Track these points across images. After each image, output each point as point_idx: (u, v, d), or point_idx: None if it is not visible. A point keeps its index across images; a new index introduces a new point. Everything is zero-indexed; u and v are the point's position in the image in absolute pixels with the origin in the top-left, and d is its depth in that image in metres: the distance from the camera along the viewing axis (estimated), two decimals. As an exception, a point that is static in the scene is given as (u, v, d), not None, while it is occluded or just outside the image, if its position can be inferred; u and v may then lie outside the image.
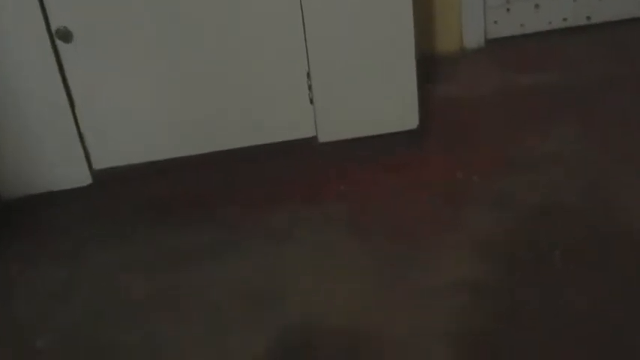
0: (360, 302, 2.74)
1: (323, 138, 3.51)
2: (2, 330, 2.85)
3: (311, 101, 3.43)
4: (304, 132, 3.51)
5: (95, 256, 3.15)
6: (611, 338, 2.49)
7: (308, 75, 3.39)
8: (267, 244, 3.10)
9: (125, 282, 2.99)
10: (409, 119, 3.49)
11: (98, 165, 3.48)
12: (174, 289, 2.93)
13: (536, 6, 4.37)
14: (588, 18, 4.40)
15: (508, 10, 4.36)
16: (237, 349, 2.63)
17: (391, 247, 2.98)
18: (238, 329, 2.71)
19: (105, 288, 2.99)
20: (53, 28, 3.21)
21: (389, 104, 3.46)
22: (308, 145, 3.49)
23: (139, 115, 3.42)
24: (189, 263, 3.04)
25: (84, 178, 3.47)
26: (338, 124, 3.50)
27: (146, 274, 3.02)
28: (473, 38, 4.35)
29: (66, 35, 3.22)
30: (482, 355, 2.50)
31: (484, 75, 4.10)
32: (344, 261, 2.95)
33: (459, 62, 4.26)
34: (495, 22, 4.37)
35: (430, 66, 4.06)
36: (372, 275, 2.85)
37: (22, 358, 2.73)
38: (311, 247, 3.05)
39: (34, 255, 3.21)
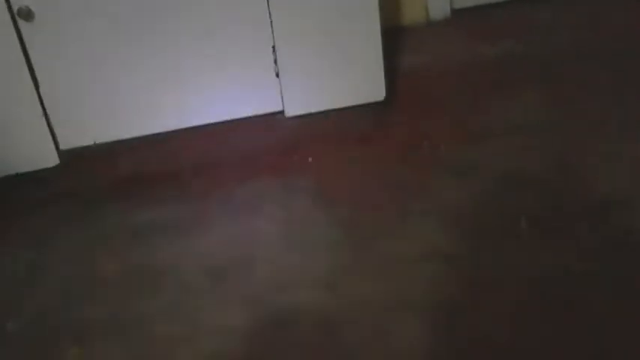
0: (330, 274, 2.74)
1: (290, 112, 3.51)
2: None
3: (277, 75, 3.43)
4: (271, 106, 3.51)
5: (63, 236, 3.15)
6: (577, 304, 2.52)
7: (273, 48, 3.40)
8: (235, 218, 3.12)
9: (93, 260, 3.00)
10: (376, 91, 3.49)
11: (65, 145, 3.47)
12: (142, 266, 2.94)
13: (502, -25, 4.34)
14: (553, -14, 4.36)
15: (474, -21, 4.33)
16: (207, 324, 2.64)
17: (359, 217, 2.99)
18: (207, 304, 2.72)
19: (73, 268, 2.99)
20: (15, 8, 3.20)
21: (355, 77, 3.47)
22: (275, 119, 3.51)
23: (103, 93, 3.40)
24: (156, 239, 3.05)
25: (51, 159, 3.45)
26: (304, 98, 3.50)
27: (114, 251, 3.03)
28: (438, 8, 4.34)
29: (28, 14, 3.21)
30: (454, 323, 2.51)
31: (450, 45, 4.09)
32: (313, 233, 2.96)
33: (425, 33, 4.25)
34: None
35: (396, 37, 4.08)
36: (341, 246, 2.86)
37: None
38: (279, 220, 3.06)
39: (1, 238, 3.21)
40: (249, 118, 3.49)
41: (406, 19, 4.30)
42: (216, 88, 3.44)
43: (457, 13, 4.36)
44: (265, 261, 2.86)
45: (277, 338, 2.55)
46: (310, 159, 3.36)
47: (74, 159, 3.46)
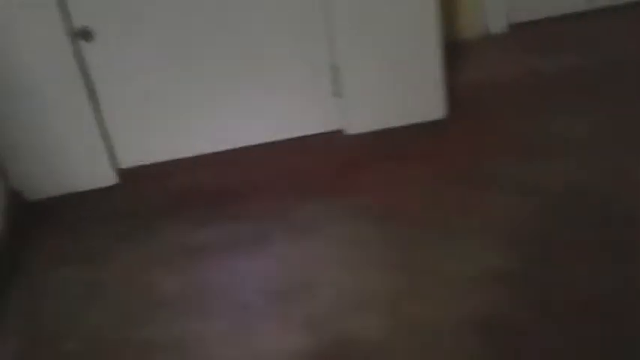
0: (391, 296, 2.71)
1: (349, 130, 3.51)
2: (32, 332, 2.85)
3: (337, 94, 3.44)
4: (330, 125, 3.52)
5: (121, 255, 3.14)
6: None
7: (333, 67, 3.38)
8: (293, 238, 3.08)
9: (151, 280, 2.98)
10: (435, 108, 3.49)
11: (123, 164, 3.49)
12: (200, 287, 2.92)
13: (559, -12, 4.27)
14: (610, -1, 4.30)
15: (531, -7, 4.27)
16: (267, 349, 2.62)
17: (420, 236, 2.96)
18: (267, 328, 2.69)
19: (132, 287, 2.98)
20: (75, 28, 3.22)
21: (415, 94, 3.46)
22: (334, 138, 3.51)
23: (163, 112, 3.43)
24: (214, 259, 3.04)
25: (109, 178, 3.48)
26: (364, 117, 3.49)
27: (172, 271, 3.01)
28: (496, 23, 4.31)
29: (87, 34, 3.23)
30: (514, 343, 2.48)
31: (508, 60, 4.06)
32: (373, 253, 2.93)
33: (483, 47, 4.22)
34: (517, 6, 4.31)
35: (453, 52, 3.98)
36: (401, 266, 2.83)
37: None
38: (338, 239, 3.02)
39: (60, 256, 3.19)
40: (308, 137, 3.51)
41: (464, 34, 4.27)
42: (274, 107, 3.47)
43: (514, 28, 4.32)
44: (325, 284, 2.82)
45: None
46: (370, 178, 3.33)
47: (133, 178, 3.48)
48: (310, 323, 2.66)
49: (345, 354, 2.54)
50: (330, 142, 3.50)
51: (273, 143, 3.50)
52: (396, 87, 3.44)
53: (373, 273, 2.84)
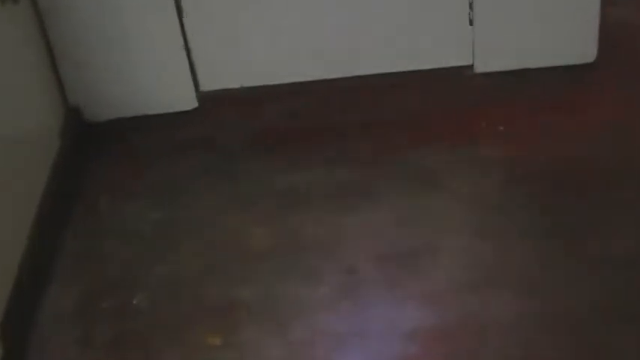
0: (527, 272, 2.41)
1: (480, 68, 3.19)
2: (95, 282, 2.55)
3: (470, 22, 3.10)
4: (458, 59, 3.19)
5: (198, 194, 2.84)
6: None
7: None
8: (409, 192, 2.75)
9: (235, 227, 2.68)
10: (585, 51, 3.15)
11: (206, 86, 3.21)
12: (295, 242, 2.60)
13: None
14: None
15: None
16: (377, 324, 2.33)
17: (558, 203, 2.64)
18: (377, 300, 2.39)
19: (210, 234, 2.67)
20: None
21: (563, 31, 3.12)
22: (462, 75, 3.19)
23: (257, 29, 3.13)
24: (311, 211, 2.71)
25: (189, 101, 3.19)
26: (499, 52, 3.17)
27: (258, 219, 2.70)
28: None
29: None
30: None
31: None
32: (502, 219, 2.60)
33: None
34: None
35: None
36: (540, 238, 2.51)
37: (122, 316, 2.43)
38: (463, 199, 2.70)
39: (126, 189, 2.91)
40: (432, 70, 3.18)
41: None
42: (395, 32, 3.14)
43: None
44: (448, 250, 2.50)
45: (462, 349, 2.21)
46: (500, 127, 2.99)
47: (215, 104, 3.19)
48: (430, 299, 2.37)
49: (471, 334, 2.26)
50: (457, 79, 3.19)
51: (389, 75, 3.17)
52: (540, 19, 3.10)
53: (507, 242, 2.52)
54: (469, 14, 3.08)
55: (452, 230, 2.59)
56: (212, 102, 3.19)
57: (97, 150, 3.07)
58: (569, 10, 3.07)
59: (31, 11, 2.89)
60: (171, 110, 3.17)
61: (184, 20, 3.03)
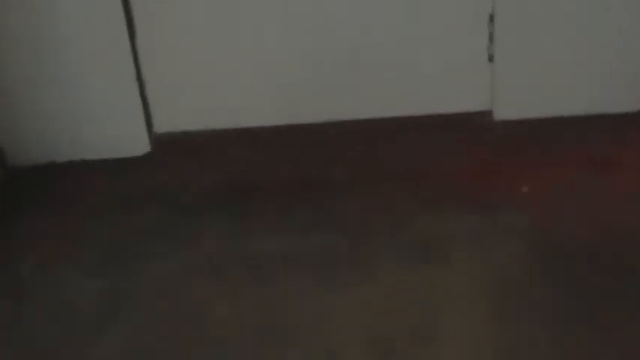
0: None
1: (500, 114, 2.99)
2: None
3: (490, 58, 2.89)
4: (474, 103, 2.99)
5: (145, 261, 2.59)
6: None
7: (491, 18, 2.85)
8: (410, 263, 2.51)
9: (190, 305, 2.41)
10: (628, 98, 2.93)
11: (160, 128, 3.03)
12: (265, 319, 2.34)
13: None
14: None
15: None
16: None
17: (592, 283, 2.39)
18: None
19: (159, 313, 2.40)
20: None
21: (602, 73, 2.90)
22: (478, 122, 3.01)
23: (221, 63, 2.95)
24: (288, 281, 2.47)
25: (140, 145, 3.01)
26: (524, 95, 2.97)
27: (223, 289, 2.47)
28: None
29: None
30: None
31: None
32: (522, 302, 2.36)
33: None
34: None
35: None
36: (562, 326, 2.26)
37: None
38: (476, 273, 2.47)
39: (58, 252, 2.64)
40: (440, 116, 2.98)
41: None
42: (403, 70, 2.94)
43: None
44: (452, 338, 2.24)
45: None
46: (524, 186, 2.74)
47: (170, 147, 3.01)
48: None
49: None
50: (472, 127, 2.99)
51: (389, 120, 2.97)
52: (573, 57, 2.89)
53: (527, 327, 2.27)
54: (488, 48, 2.89)
55: (458, 313, 2.35)
56: (168, 146, 3.04)
57: (21, 201, 2.87)
58: (612, 49, 2.88)
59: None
60: (118, 155, 3.00)
61: (136, 43, 2.86)
